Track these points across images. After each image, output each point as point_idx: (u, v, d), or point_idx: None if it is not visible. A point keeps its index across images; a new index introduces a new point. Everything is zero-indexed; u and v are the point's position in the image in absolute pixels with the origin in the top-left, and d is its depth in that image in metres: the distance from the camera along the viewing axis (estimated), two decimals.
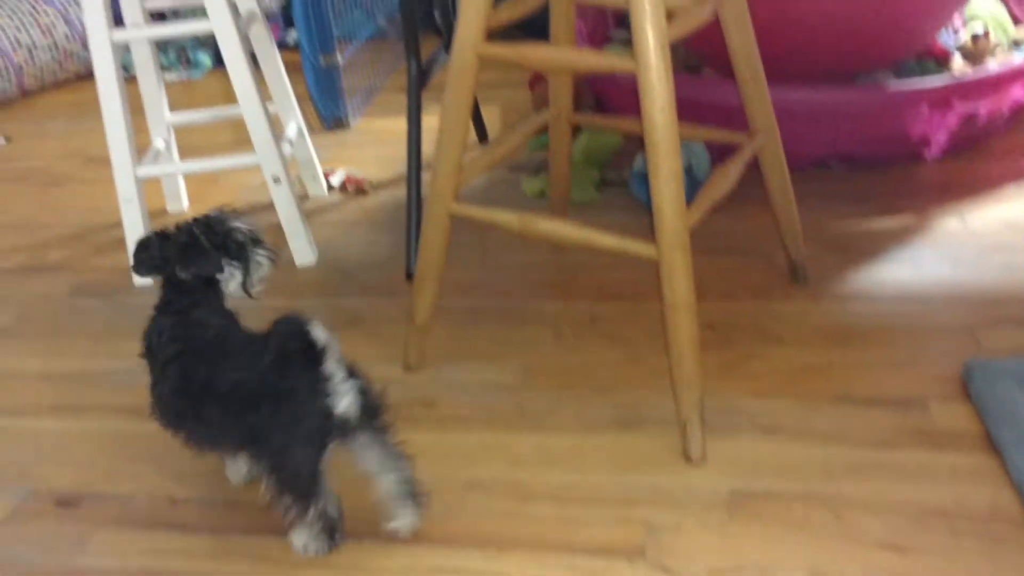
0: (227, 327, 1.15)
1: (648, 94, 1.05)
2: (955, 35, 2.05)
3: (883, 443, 1.20)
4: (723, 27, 1.26)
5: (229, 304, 1.18)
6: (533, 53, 1.16)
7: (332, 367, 1.02)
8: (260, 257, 1.18)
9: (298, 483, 1.06)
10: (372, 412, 1.07)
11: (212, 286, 1.16)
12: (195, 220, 1.16)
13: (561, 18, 1.40)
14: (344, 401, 1.02)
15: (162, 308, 1.17)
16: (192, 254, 1.13)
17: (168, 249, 1.14)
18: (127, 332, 1.58)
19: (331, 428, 1.03)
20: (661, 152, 1.07)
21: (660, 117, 1.06)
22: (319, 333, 1.00)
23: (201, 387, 1.09)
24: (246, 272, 1.17)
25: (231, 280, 1.17)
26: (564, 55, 1.15)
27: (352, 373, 1.05)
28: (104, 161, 1.71)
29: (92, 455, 1.31)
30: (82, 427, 1.37)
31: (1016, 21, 2.13)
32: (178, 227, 1.15)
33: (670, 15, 1.08)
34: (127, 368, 1.49)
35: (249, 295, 1.18)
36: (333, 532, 1.10)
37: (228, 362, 1.08)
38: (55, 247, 1.90)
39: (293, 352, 1.01)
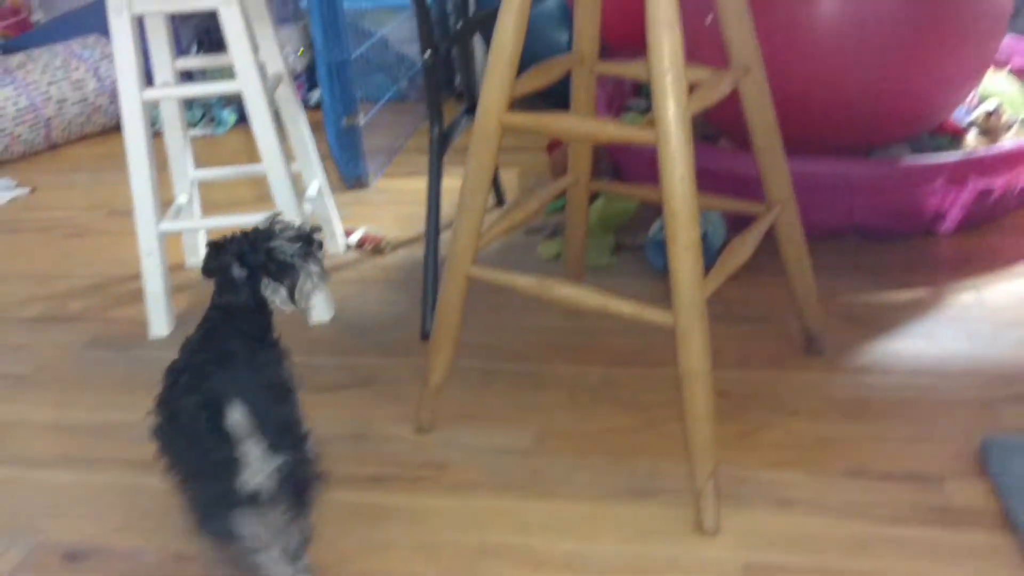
0: (227, 356, 1.13)
1: (668, 165, 1.07)
2: (969, 112, 2.08)
3: (899, 519, 1.18)
4: (743, 101, 1.29)
5: (275, 319, 1.19)
6: (555, 123, 1.18)
7: (246, 446, 1.02)
8: (308, 272, 1.18)
9: (214, 537, 1.08)
10: (296, 489, 1.07)
11: (255, 303, 1.17)
12: (243, 235, 1.16)
13: (582, 88, 1.43)
14: (250, 476, 1.03)
15: (203, 318, 1.18)
16: (224, 283, 1.15)
17: (214, 265, 1.15)
18: (142, 385, 1.58)
19: (235, 500, 1.03)
20: (680, 222, 1.09)
21: (680, 188, 1.07)
22: (232, 416, 1.02)
23: (164, 405, 1.09)
24: (292, 288, 1.17)
25: (276, 296, 1.17)
26: (586, 125, 1.17)
27: (283, 447, 1.05)
28: (126, 214, 1.74)
29: (102, 508, 1.31)
30: (93, 480, 1.37)
31: None
32: (231, 240, 1.16)
33: (691, 88, 1.11)
34: (141, 421, 1.49)
35: (298, 309, 1.19)
36: None
37: (187, 396, 1.08)
38: (74, 298, 1.92)
39: (218, 420, 1.02)
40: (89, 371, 1.65)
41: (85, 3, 3.21)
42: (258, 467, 1.03)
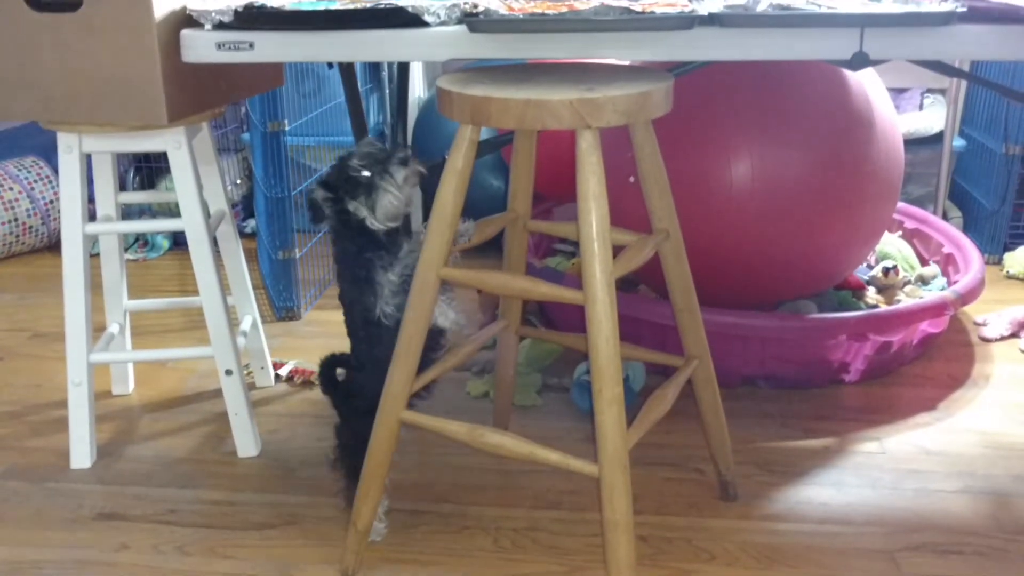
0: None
1: (595, 325, 1.15)
2: (869, 269, 2.25)
3: None
4: (663, 262, 1.39)
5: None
6: (490, 279, 1.26)
7: None
8: (383, 188, 1.29)
9: None
10: None
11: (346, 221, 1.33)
12: (342, 160, 1.30)
13: (515, 243, 1.52)
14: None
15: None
16: (312, 207, 1.32)
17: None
18: (57, 520, 1.56)
19: None
20: (604, 377, 1.15)
21: (605, 346, 1.15)
22: None
23: None
24: (372, 205, 1.30)
25: (361, 214, 1.30)
26: (519, 283, 1.24)
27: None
28: (51, 337, 1.72)
29: None
30: None
31: (921, 259, 2.36)
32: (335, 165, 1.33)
33: (616, 252, 1.20)
34: (54, 560, 1.46)
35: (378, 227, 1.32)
36: None
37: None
38: None
39: None
40: (1, 504, 1.61)
41: (20, 124, 3.24)
42: None
